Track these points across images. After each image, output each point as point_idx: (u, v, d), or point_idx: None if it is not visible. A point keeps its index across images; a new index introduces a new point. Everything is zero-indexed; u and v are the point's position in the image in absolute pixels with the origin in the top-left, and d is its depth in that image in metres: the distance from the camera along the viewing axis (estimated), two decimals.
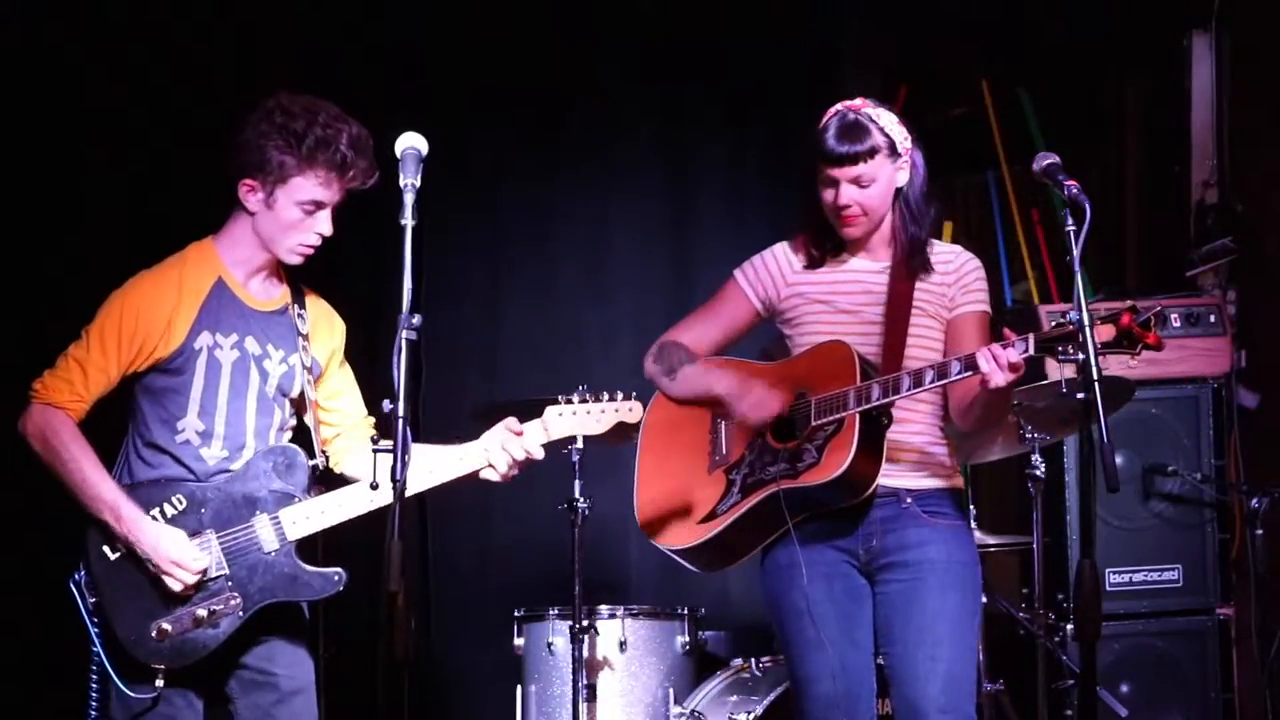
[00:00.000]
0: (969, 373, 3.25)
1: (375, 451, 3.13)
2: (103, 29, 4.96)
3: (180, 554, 3.34)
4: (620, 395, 3.56)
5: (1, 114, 4.79)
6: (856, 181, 3.46)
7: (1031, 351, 3.19)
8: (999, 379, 3.19)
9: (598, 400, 3.55)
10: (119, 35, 4.98)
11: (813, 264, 3.61)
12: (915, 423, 3.52)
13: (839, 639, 3.47)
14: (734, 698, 4.49)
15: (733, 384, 3.55)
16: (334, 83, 3.66)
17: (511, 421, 3.51)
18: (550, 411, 3.53)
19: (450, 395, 5.22)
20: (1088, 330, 3.04)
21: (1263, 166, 5.35)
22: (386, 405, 3.00)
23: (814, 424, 3.43)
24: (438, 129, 3.23)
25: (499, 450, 3.48)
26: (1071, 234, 3.11)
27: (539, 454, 3.52)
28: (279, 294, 3.59)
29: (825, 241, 3.59)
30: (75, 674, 3.45)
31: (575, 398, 3.53)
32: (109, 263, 3.61)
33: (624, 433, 3.65)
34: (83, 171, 4.91)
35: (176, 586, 3.35)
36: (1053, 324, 3.35)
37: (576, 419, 3.53)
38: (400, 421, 2.95)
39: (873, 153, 3.44)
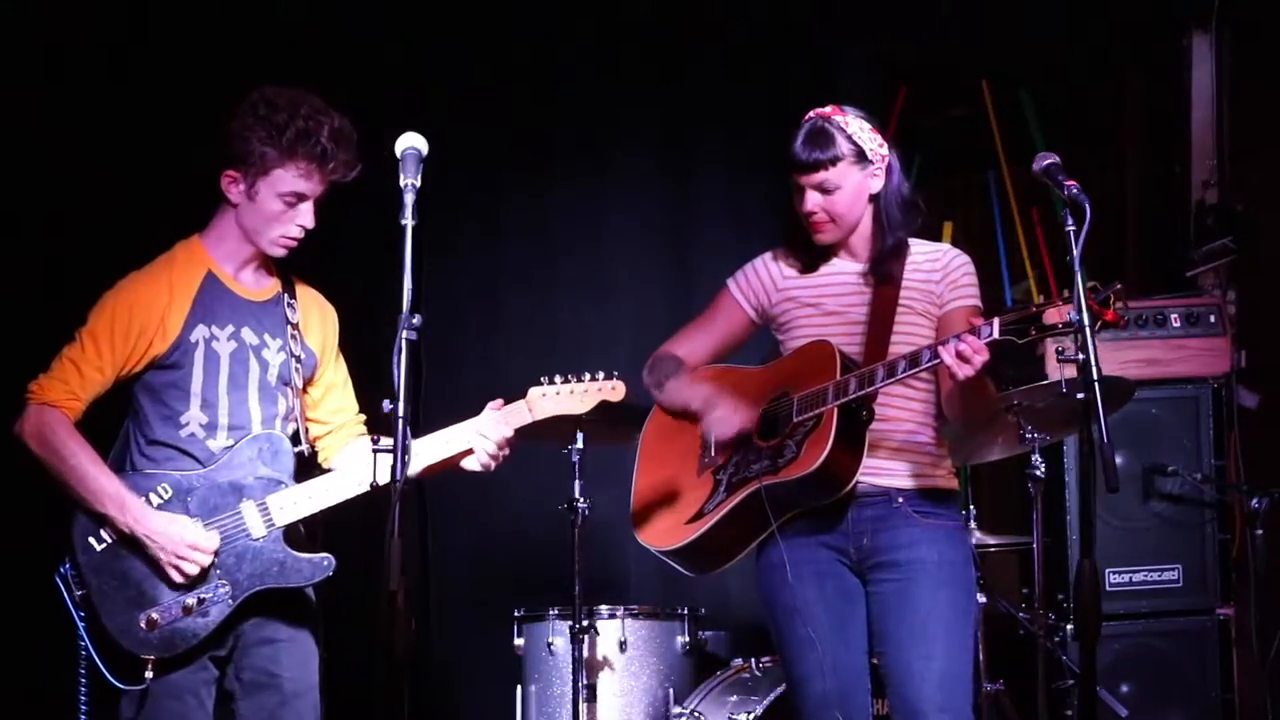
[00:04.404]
0: (939, 360, 3.25)
1: (375, 451, 3.13)
2: (94, 25, 4.95)
3: (194, 537, 3.33)
4: (602, 375, 3.54)
5: None
6: (820, 188, 3.49)
7: (996, 335, 3.19)
8: (964, 370, 3.19)
9: (580, 380, 3.53)
10: (110, 32, 4.98)
11: (804, 269, 3.62)
12: (907, 421, 3.52)
13: (831, 638, 3.47)
14: (734, 698, 4.49)
15: (704, 399, 3.58)
16: (333, 82, 3.65)
17: (496, 403, 3.49)
18: (534, 392, 3.51)
19: (450, 395, 5.22)
20: (1088, 331, 3.05)
21: (1263, 166, 5.35)
22: (386, 405, 3.01)
23: (795, 420, 3.44)
24: (437, 129, 3.23)
25: (492, 428, 3.45)
26: (1071, 234, 3.12)
27: (510, 433, 3.48)
28: (270, 284, 3.59)
29: (811, 246, 3.60)
30: (68, 672, 3.40)
31: (558, 378, 3.52)
32: (100, 265, 3.60)
33: (609, 414, 3.62)
34: (70, 173, 4.88)
35: (193, 570, 3.32)
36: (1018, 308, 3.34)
37: (560, 399, 3.51)
38: (400, 421, 2.96)
39: (835, 160, 3.47)
